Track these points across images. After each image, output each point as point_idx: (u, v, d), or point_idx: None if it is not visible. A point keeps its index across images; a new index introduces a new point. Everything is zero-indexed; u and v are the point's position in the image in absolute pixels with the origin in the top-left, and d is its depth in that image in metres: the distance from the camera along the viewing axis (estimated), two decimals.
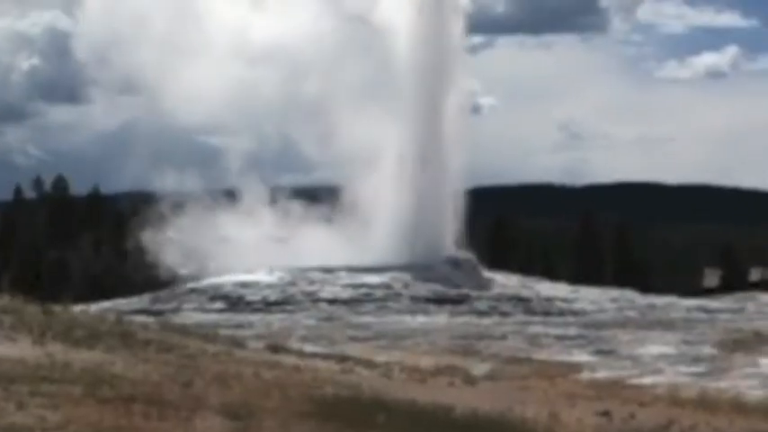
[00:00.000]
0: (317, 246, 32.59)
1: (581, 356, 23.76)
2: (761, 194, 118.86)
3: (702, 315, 32.49)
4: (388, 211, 32.80)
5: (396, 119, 33.04)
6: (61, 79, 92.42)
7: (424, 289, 31.05)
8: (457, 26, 34.71)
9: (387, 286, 30.67)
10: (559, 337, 26.69)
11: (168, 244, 34.96)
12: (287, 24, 34.87)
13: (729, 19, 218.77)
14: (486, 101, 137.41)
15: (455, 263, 33.68)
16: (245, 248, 33.63)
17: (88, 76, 41.30)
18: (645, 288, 40.21)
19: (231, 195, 36.04)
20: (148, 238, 35.29)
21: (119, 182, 38.94)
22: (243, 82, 35.97)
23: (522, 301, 31.88)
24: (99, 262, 53.84)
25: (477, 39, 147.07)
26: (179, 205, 35.44)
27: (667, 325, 29.57)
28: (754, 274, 58.48)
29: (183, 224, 35.30)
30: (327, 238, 33.11)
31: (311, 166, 36.14)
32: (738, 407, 14.40)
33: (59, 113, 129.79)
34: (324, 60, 34.91)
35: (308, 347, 21.10)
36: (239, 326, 27.59)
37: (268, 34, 34.89)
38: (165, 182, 36.29)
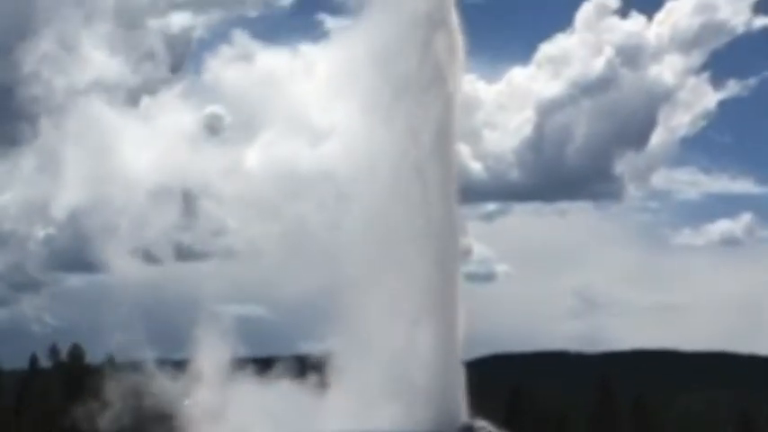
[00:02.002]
0: (323, 413, 32.56)
1: None
2: None
3: None
4: (397, 376, 32.73)
5: (404, 283, 32.99)
6: (77, 247, 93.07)
7: None
8: (454, 187, 34.48)
9: None
10: None
11: (188, 412, 34.97)
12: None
13: (743, 186, 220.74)
14: (500, 268, 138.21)
15: (470, 431, 33.54)
16: (254, 419, 33.66)
17: (103, 245, 41.89)
18: None
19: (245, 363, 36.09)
20: (163, 406, 35.32)
21: (133, 350, 38.91)
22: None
23: None
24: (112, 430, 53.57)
25: (492, 206, 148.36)
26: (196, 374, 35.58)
27: None
28: None
29: (200, 394, 35.39)
30: (332, 405, 33.04)
31: (314, 334, 36.06)
32: None
33: (76, 282, 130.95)
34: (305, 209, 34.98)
35: None
36: None
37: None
38: (189, 351, 36.48)
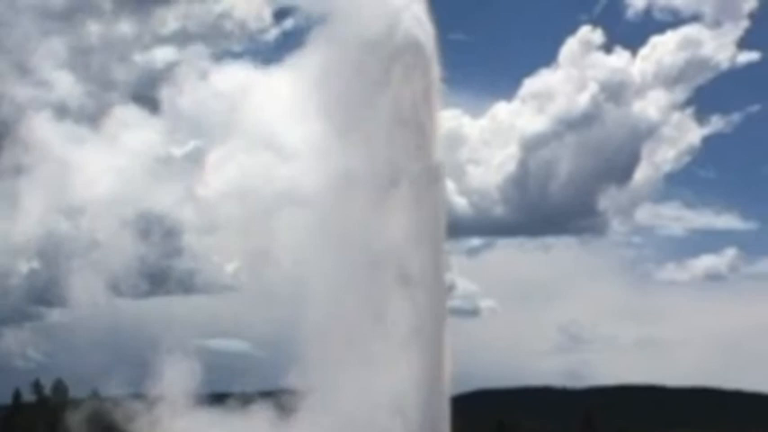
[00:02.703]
0: None
1: None
2: (762, 397, 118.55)
3: None
4: (382, 412, 32.62)
5: (387, 318, 32.74)
6: (60, 282, 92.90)
7: None
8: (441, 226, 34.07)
9: None
10: None
11: None
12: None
13: (728, 221, 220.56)
14: (485, 303, 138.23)
15: None
16: None
17: (85, 279, 41.94)
18: None
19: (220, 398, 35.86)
20: None
21: (117, 385, 38.81)
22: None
23: None
24: None
25: (477, 241, 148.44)
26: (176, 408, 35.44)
27: None
28: None
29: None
30: None
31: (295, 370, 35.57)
32: None
33: (59, 316, 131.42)
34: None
35: None
36: None
37: None
38: (164, 385, 36.37)
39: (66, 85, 39.58)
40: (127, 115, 37.67)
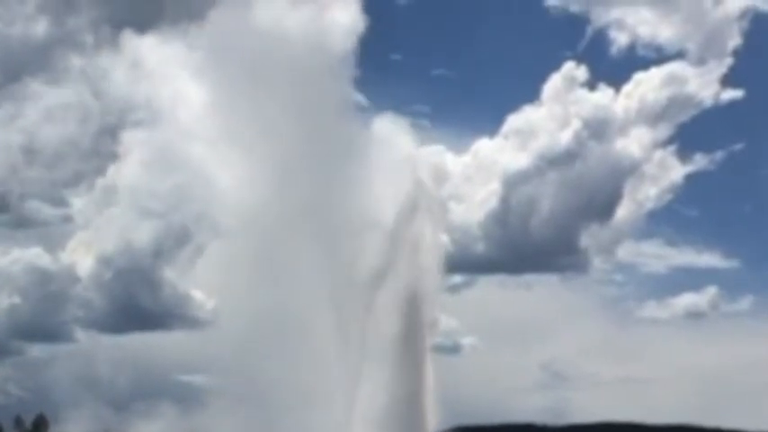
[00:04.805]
0: None
1: None
2: None
3: None
4: None
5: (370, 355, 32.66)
6: (42, 317, 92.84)
7: None
8: (433, 266, 34.14)
9: None
10: None
11: None
12: None
13: (710, 259, 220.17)
14: (467, 340, 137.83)
15: None
16: None
17: (69, 315, 42.08)
18: None
19: None
20: None
21: (96, 421, 38.92)
22: None
23: None
24: None
25: (458, 278, 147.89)
26: None
27: None
28: None
29: None
30: None
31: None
32: None
33: (40, 351, 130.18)
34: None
35: None
36: None
37: None
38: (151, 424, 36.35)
39: None
40: None
